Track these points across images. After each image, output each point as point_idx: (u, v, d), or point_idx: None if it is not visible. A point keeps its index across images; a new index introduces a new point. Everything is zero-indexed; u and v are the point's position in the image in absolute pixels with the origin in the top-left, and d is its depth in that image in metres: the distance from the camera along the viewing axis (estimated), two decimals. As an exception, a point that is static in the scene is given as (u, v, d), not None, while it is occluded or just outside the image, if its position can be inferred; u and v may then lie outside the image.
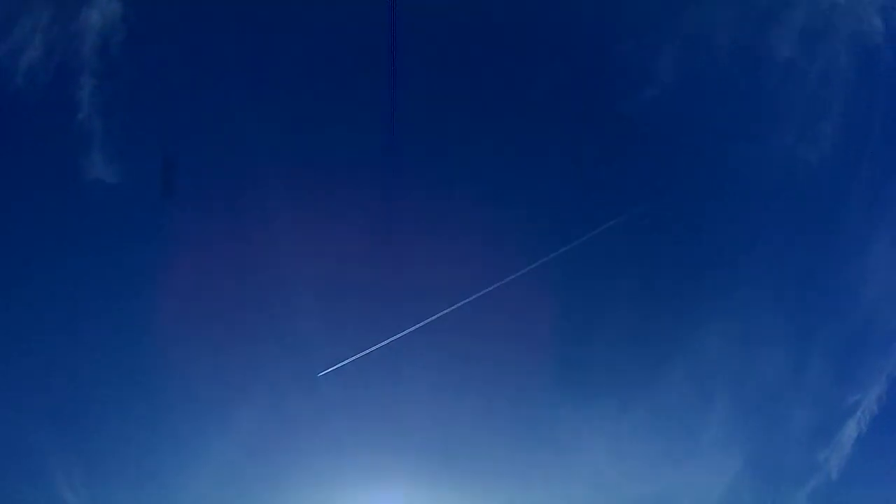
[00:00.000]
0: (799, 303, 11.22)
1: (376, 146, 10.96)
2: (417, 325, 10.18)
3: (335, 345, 10.33)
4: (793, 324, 11.11)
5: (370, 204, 10.93)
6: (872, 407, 11.13)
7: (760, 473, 10.75)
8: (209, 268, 10.56)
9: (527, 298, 10.54)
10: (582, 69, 11.19)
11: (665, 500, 10.51)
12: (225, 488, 10.09)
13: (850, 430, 11.07)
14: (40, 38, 10.80)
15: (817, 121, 11.29)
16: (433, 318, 10.22)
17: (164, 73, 10.97)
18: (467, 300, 10.26)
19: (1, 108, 10.80)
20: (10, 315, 10.41)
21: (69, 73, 10.76)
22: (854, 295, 11.26)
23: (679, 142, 11.15)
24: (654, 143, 11.12)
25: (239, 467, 10.16)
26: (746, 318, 11.00)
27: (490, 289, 10.30)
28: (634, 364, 10.73)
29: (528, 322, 10.67)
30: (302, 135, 10.92)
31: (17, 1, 10.86)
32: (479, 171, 10.92)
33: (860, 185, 11.31)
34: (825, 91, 11.32)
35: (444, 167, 10.98)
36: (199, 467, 10.13)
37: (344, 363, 10.12)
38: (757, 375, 10.93)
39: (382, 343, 10.17)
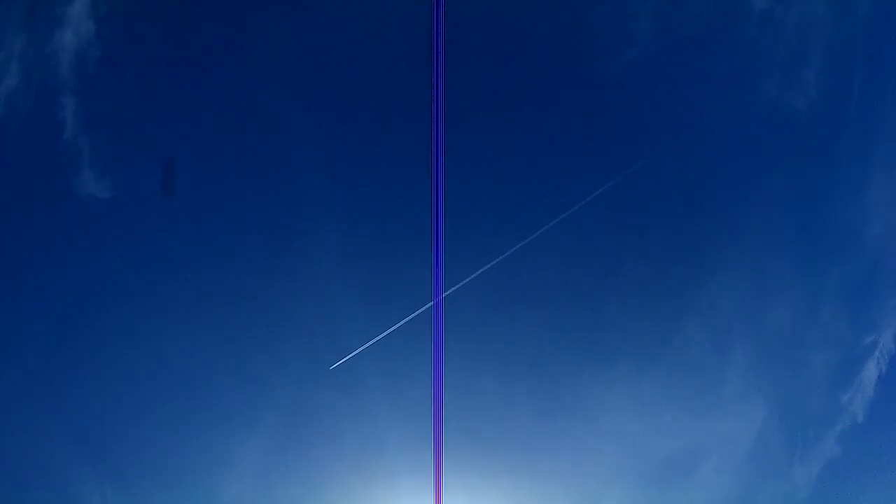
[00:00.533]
0: (805, 248, 11.20)
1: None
2: (429, 305, 10.09)
3: (345, 333, 10.26)
4: (801, 269, 11.09)
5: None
6: (889, 346, 11.10)
7: (787, 420, 10.69)
8: (212, 273, 10.58)
9: (535, 266, 10.52)
10: (560, 33, 11.20)
11: (694, 454, 10.42)
12: (252, 489, 9.95)
13: (871, 372, 11.02)
14: (17, 65, 10.75)
15: (799, 67, 11.33)
16: (447, 292, 10.14)
17: (144, 84, 10.99)
18: (477, 273, 10.21)
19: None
20: (20, 329, 10.35)
21: (49, 95, 10.73)
22: (858, 236, 11.25)
23: (671, 98, 11.19)
24: (645, 101, 11.16)
25: (265, 467, 10.05)
26: (755, 269, 10.98)
27: (499, 259, 10.27)
28: (649, 322, 10.68)
29: (539, 289, 10.62)
30: (292, 140, 10.86)
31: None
32: (467, 144, 10.88)
33: (851, 126, 11.35)
34: (804, 37, 11.37)
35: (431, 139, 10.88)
36: (229, 460, 10.06)
37: (359, 350, 10.02)
38: (771, 323, 10.88)
39: (400, 323, 10.10)
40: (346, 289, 10.40)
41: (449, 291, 10.16)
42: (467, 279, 10.20)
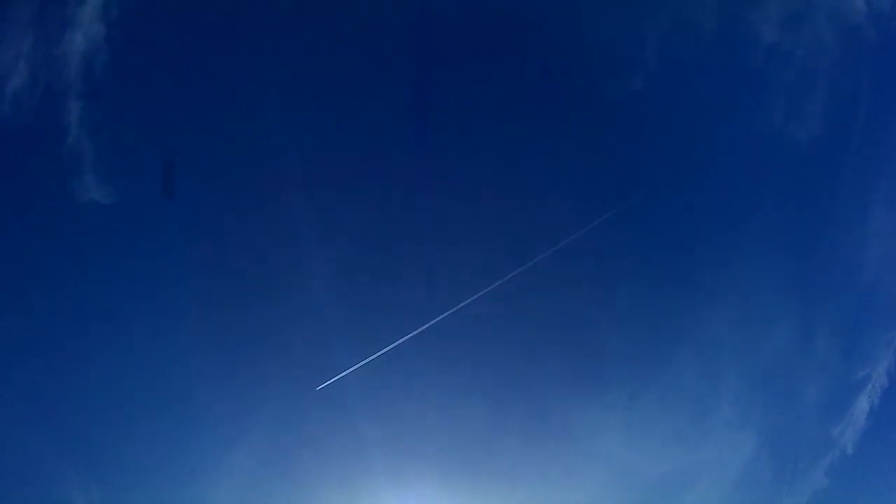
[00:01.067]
0: (801, 280, 11.27)
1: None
2: (425, 326, 10.13)
3: (343, 351, 10.25)
4: (797, 302, 11.16)
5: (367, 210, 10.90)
6: (882, 380, 11.15)
7: (776, 451, 10.74)
8: (213, 278, 10.56)
9: (531, 293, 10.53)
10: (569, 60, 11.22)
11: (682, 481, 10.47)
12: (240, 496, 9.98)
13: (863, 404, 11.07)
14: (24, 65, 10.75)
15: (804, 99, 11.36)
16: (440, 318, 10.17)
17: (151, 91, 10.95)
18: (472, 298, 10.22)
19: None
20: (22, 332, 10.33)
21: (55, 97, 10.71)
22: (856, 271, 11.32)
23: (672, 128, 11.23)
24: (647, 130, 11.18)
25: (254, 475, 10.06)
26: (751, 299, 11.02)
27: (494, 286, 10.29)
28: (642, 350, 10.74)
29: (533, 317, 10.68)
30: (293, 146, 10.86)
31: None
32: (473, 166, 10.92)
33: (851, 159, 11.42)
34: (810, 69, 11.40)
35: (435, 163, 10.94)
36: (213, 476, 10.05)
37: (354, 368, 10.04)
38: (765, 355, 10.94)
39: (391, 346, 10.11)
40: (342, 308, 10.40)
41: (444, 315, 10.20)
42: (462, 304, 10.23)
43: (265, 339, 10.49)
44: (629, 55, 11.04)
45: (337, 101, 11.06)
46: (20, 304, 10.28)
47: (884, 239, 11.29)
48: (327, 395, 10.07)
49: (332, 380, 10.01)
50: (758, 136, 11.29)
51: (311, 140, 10.92)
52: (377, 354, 10.07)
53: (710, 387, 10.70)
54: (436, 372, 10.43)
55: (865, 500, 10.78)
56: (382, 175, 10.92)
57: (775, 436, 10.78)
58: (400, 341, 10.13)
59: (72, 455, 9.96)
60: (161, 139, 10.85)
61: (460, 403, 10.41)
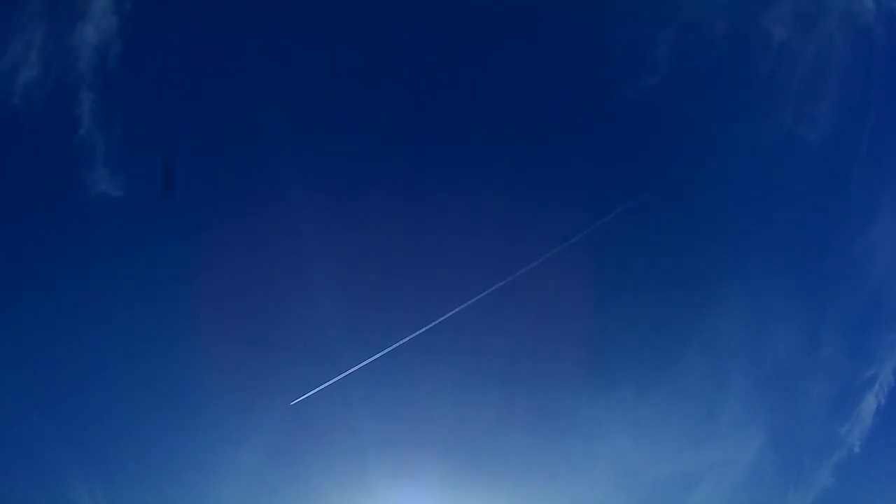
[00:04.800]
0: (808, 280, 11.27)
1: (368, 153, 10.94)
2: (432, 324, 10.16)
3: (348, 349, 10.29)
4: (804, 301, 11.16)
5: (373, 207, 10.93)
6: (889, 379, 11.15)
7: (783, 450, 10.73)
8: (222, 273, 10.55)
9: (539, 291, 10.58)
10: (580, 59, 11.25)
11: (690, 480, 10.47)
12: (248, 493, 10.00)
13: (869, 404, 11.07)
14: (36, 57, 10.74)
15: (814, 100, 11.36)
16: (449, 314, 10.20)
17: (161, 84, 10.96)
18: (480, 296, 10.26)
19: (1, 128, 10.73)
20: (31, 328, 10.39)
21: (67, 89, 10.72)
22: (862, 270, 11.29)
23: (680, 129, 11.26)
24: (656, 131, 11.22)
25: (261, 472, 10.09)
26: (758, 300, 11.03)
27: (503, 283, 10.32)
28: (650, 349, 10.75)
29: (541, 315, 10.71)
30: (301, 141, 10.89)
31: (12, 19, 10.79)
32: (485, 166, 10.96)
33: (860, 161, 11.40)
34: (820, 70, 11.41)
35: (445, 164, 10.98)
36: (221, 473, 10.08)
37: (361, 365, 10.06)
38: (772, 354, 10.95)
39: (397, 343, 10.13)
40: (348, 307, 10.48)
41: (452, 312, 10.22)
42: (471, 301, 10.27)
43: (271, 336, 10.58)
44: (641, 55, 11.07)
45: (349, 101, 11.12)
46: (31, 295, 10.34)
47: (890, 240, 11.29)
48: (331, 393, 10.13)
49: (336, 378, 10.05)
50: (765, 138, 11.31)
51: (320, 136, 10.99)
52: (383, 352, 10.11)
53: (718, 386, 10.72)
54: (443, 370, 10.48)
55: (872, 498, 10.78)
56: (392, 174, 10.97)
57: (782, 434, 10.79)
58: (406, 339, 10.18)
59: (74, 444, 10.05)
60: (171, 133, 10.88)
61: (468, 401, 10.45)
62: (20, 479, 9.92)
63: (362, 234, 10.78)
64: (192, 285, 10.55)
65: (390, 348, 10.11)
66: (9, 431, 9.96)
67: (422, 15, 10.92)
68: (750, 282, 11.00)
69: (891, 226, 11.30)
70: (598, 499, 10.24)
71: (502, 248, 10.69)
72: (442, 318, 10.18)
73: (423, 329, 10.14)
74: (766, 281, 11.00)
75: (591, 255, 10.66)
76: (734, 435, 10.63)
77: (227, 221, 10.82)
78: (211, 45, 10.97)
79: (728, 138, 11.23)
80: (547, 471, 10.32)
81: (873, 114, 11.42)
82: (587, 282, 10.71)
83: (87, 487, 9.84)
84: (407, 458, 10.14)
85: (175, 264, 10.64)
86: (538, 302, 10.64)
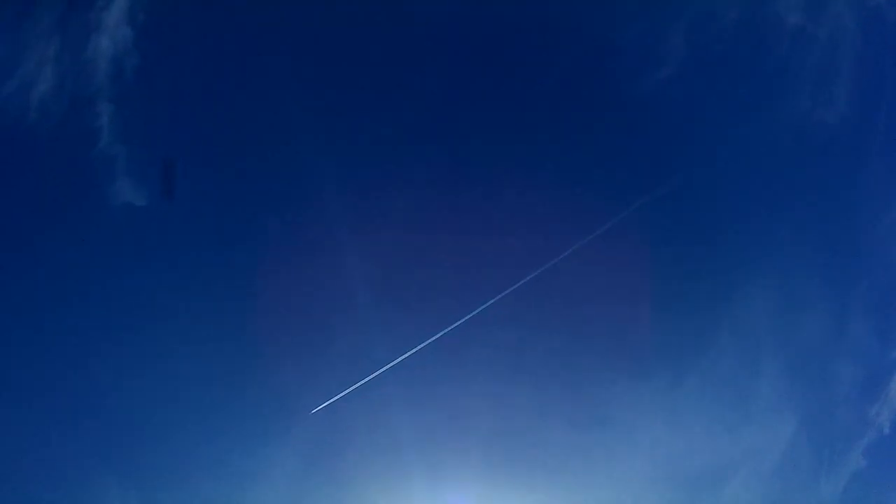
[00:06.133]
0: (834, 263, 11.34)
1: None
2: (462, 320, 10.16)
3: (378, 347, 10.29)
4: (830, 284, 11.22)
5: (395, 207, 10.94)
6: (916, 360, 11.21)
7: (815, 433, 10.79)
8: (250, 277, 10.60)
9: (570, 281, 10.60)
10: (593, 51, 11.28)
11: (725, 466, 10.53)
12: (276, 497, 10.04)
13: (899, 385, 11.14)
14: (50, 70, 10.72)
15: (830, 83, 11.41)
16: (477, 311, 10.22)
17: (180, 92, 10.96)
18: (512, 288, 10.28)
19: (19, 142, 10.70)
20: (54, 334, 10.38)
21: (85, 102, 10.69)
22: (887, 252, 11.37)
23: (703, 114, 11.31)
24: (677, 118, 11.24)
25: (288, 477, 10.11)
26: (785, 283, 11.09)
27: (534, 275, 10.34)
28: (682, 337, 10.80)
29: (573, 306, 10.72)
30: (322, 144, 10.87)
31: (26, 35, 10.77)
32: (504, 160, 10.98)
33: (880, 140, 11.47)
34: (834, 53, 11.46)
35: (458, 161, 11.00)
36: (258, 475, 10.07)
37: (395, 362, 10.06)
38: (800, 338, 11.01)
39: (430, 339, 10.14)
40: (375, 306, 10.47)
41: (480, 308, 10.25)
42: (502, 294, 10.29)
43: (300, 336, 10.52)
44: (654, 46, 11.11)
45: (369, 104, 11.12)
46: (49, 306, 10.31)
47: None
48: (361, 393, 10.12)
49: (367, 378, 10.06)
50: (785, 122, 11.36)
51: (342, 139, 10.99)
52: (412, 352, 10.11)
53: (749, 372, 10.78)
54: (472, 367, 10.48)
55: (904, 479, 10.84)
56: (405, 171, 10.99)
57: (813, 418, 10.86)
58: (434, 338, 10.18)
59: (107, 448, 10.06)
60: (192, 141, 10.87)
61: (499, 397, 10.45)
62: (54, 482, 9.94)
63: (385, 233, 10.78)
64: (220, 291, 10.56)
65: (419, 347, 10.13)
66: (39, 438, 9.96)
67: (427, 10, 10.91)
68: (777, 267, 11.09)
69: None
70: (635, 489, 10.29)
71: (529, 241, 10.73)
72: (469, 316, 10.21)
73: (452, 327, 10.17)
74: (794, 265, 11.08)
75: (618, 247, 10.67)
76: (767, 421, 10.70)
77: (251, 227, 10.85)
78: (229, 53, 10.97)
79: (749, 125, 11.32)
80: (584, 463, 10.35)
81: (889, 92, 11.51)
82: (616, 273, 10.75)
83: (120, 494, 9.89)
84: (441, 455, 10.17)
85: (201, 271, 10.65)
86: (568, 295, 10.68)
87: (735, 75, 11.45)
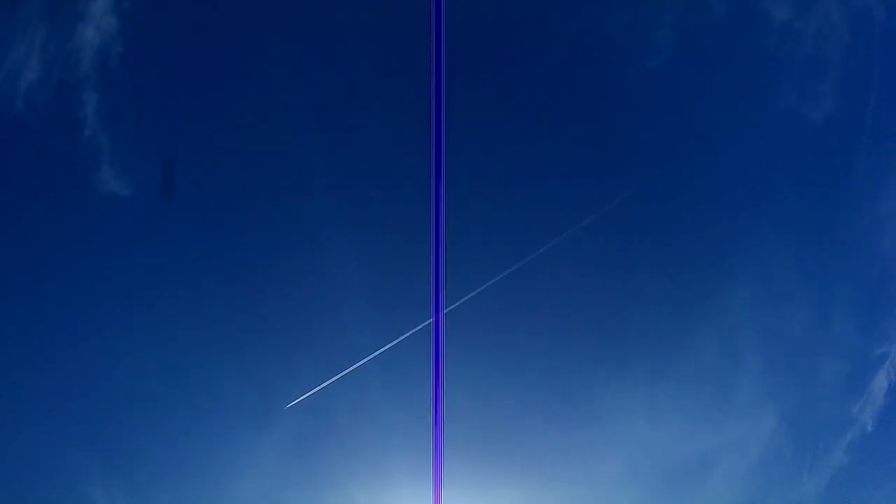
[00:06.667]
0: (818, 258, 11.27)
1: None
2: (445, 312, 10.14)
3: (359, 339, 10.30)
4: (813, 279, 11.16)
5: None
6: (900, 357, 11.19)
7: (797, 429, 10.75)
8: (234, 271, 10.65)
9: (550, 273, 10.58)
10: (579, 41, 11.28)
11: (705, 461, 10.50)
12: (263, 491, 10.03)
13: (881, 381, 11.10)
14: (37, 60, 10.75)
15: (817, 79, 11.38)
16: (459, 303, 10.22)
17: (167, 82, 11.01)
18: (493, 280, 10.28)
19: (3, 132, 10.72)
20: (35, 327, 10.39)
21: (70, 91, 10.74)
22: (871, 247, 11.32)
23: (688, 108, 11.27)
24: (661, 111, 11.22)
25: (276, 470, 10.13)
26: (767, 277, 11.03)
27: (514, 267, 10.33)
28: (663, 330, 10.74)
29: (553, 297, 10.68)
30: (307, 137, 10.88)
31: (11, 24, 10.80)
32: (489, 152, 11.00)
33: (866, 136, 11.42)
34: (822, 49, 11.43)
35: (441, 153, 10.93)
36: (234, 471, 10.10)
37: (375, 354, 10.06)
38: (783, 332, 10.95)
39: (410, 332, 10.13)
40: (359, 293, 10.45)
41: (465, 298, 10.24)
42: (483, 286, 10.29)
43: (282, 330, 10.55)
44: (642, 37, 11.12)
45: (353, 95, 11.09)
46: (33, 297, 10.35)
47: (896, 217, 11.32)
48: (345, 384, 10.12)
49: (348, 370, 10.06)
50: (771, 117, 11.34)
51: (326, 132, 10.98)
52: (393, 343, 10.12)
53: (731, 366, 10.73)
54: (454, 359, 10.42)
55: (886, 477, 10.80)
56: (393, 166, 10.98)
57: (796, 414, 10.80)
58: (416, 329, 10.18)
59: (92, 443, 10.05)
60: (177, 131, 10.90)
61: (480, 389, 10.44)
62: (39, 479, 9.92)
63: (367, 223, 10.82)
64: (205, 284, 10.60)
65: (399, 339, 10.14)
66: (26, 434, 9.98)
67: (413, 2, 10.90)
68: (760, 261, 11.03)
69: (898, 202, 11.35)
70: (614, 481, 10.28)
71: (511, 234, 10.72)
72: (452, 307, 10.21)
73: (433, 317, 10.14)
74: (777, 260, 11.05)
75: (600, 240, 10.69)
76: (748, 415, 10.65)
77: (235, 219, 10.84)
78: (217, 42, 11.03)
79: (732, 119, 11.28)
80: (562, 455, 10.33)
81: (876, 90, 11.45)
82: (598, 266, 10.75)
83: (104, 487, 9.86)
84: (423, 447, 10.11)
85: (186, 263, 10.68)
86: (549, 288, 10.65)
87: (721, 70, 11.44)
